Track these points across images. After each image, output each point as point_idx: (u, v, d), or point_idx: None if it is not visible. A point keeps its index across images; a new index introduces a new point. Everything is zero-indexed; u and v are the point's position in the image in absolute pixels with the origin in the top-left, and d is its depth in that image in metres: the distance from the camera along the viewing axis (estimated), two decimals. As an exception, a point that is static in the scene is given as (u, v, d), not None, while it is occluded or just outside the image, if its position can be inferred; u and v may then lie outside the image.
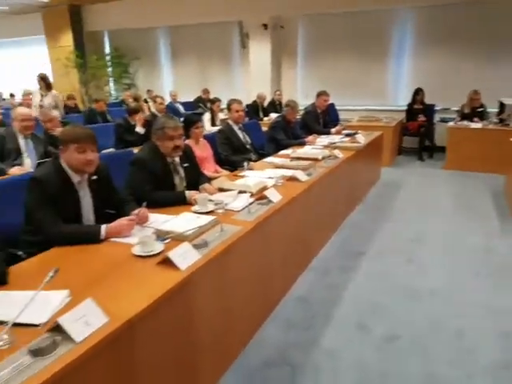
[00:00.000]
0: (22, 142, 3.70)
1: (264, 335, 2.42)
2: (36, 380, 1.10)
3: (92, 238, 1.99)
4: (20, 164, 3.60)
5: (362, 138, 4.66)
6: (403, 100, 7.62)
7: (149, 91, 9.23)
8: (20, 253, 2.03)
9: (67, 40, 10.53)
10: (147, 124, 4.85)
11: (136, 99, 7.19)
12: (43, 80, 6.52)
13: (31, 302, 1.30)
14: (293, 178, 3.04)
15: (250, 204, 2.37)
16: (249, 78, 9.00)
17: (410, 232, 3.93)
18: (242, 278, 2.19)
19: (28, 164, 3.66)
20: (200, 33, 9.54)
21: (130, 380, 1.46)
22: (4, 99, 9.60)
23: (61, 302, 1.44)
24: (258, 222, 2.24)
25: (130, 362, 1.45)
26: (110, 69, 10.71)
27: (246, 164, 2.68)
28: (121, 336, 1.35)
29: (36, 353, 1.18)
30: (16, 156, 3.64)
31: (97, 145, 2.15)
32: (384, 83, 8.08)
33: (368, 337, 2.41)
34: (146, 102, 8.25)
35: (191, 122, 3.31)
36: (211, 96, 7.98)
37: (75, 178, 2.12)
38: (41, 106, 6.09)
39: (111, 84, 11.09)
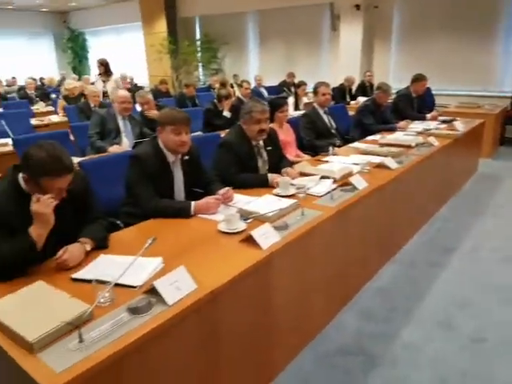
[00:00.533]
0: (120, 122, 4.01)
1: (341, 322, 2.40)
2: (133, 335, 1.23)
3: (183, 213, 2.13)
4: (118, 143, 3.91)
5: (460, 126, 4.29)
6: (509, 85, 6.83)
7: (235, 76, 9.44)
8: (119, 222, 2.25)
9: (161, 26, 11.15)
10: (233, 108, 4.98)
11: (223, 84, 7.39)
12: (103, 66, 6.12)
13: (130, 266, 1.44)
14: (381, 165, 2.91)
15: (333, 190, 2.34)
16: (337, 62, 8.76)
17: (509, 229, 3.58)
18: (321, 262, 2.19)
19: (126, 143, 3.96)
20: (288, 16, 9.47)
21: (212, 344, 1.57)
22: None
23: (155, 268, 1.59)
24: (340, 209, 2.20)
25: (213, 328, 1.55)
26: (199, 54, 11.13)
27: (330, 149, 2.63)
28: (207, 303, 1.45)
29: (134, 311, 1.32)
30: (115, 135, 3.96)
31: (190, 127, 2.28)
32: (487, 66, 7.31)
33: (452, 335, 2.28)
34: (231, 86, 8.46)
35: (277, 105, 3.33)
36: (296, 80, 7.92)
37: (170, 157, 2.28)
38: (104, 93, 5.92)
39: (200, 69, 11.53)
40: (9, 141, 4.00)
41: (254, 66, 10.69)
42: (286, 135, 3.45)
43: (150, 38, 11.44)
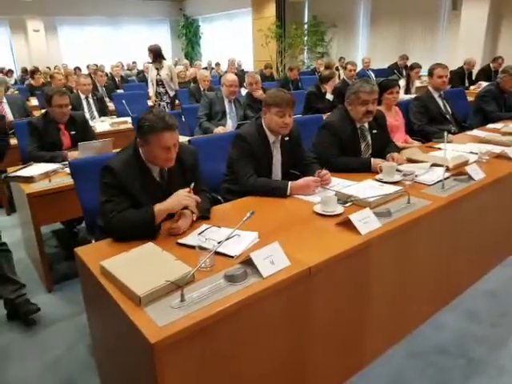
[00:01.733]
0: (227, 105, 4.20)
1: (441, 322, 2.23)
2: (228, 301, 1.28)
3: (280, 192, 2.15)
4: (224, 124, 4.09)
5: None
6: None
7: (341, 59, 9.15)
8: (219, 197, 2.36)
9: (270, 11, 11.25)
10: (337, 91, 4.85)
11: (328, 67, 7.22)
12: (152, 53, 5.43)
13: (230, 237, 1.51)
14: (502, 156, 2.59)
15: (445, 179, 2.14)
16: (455, 44, 7.97)
17: None
18: (424, 255, 2.04)
19: (230, 125, 4.14)
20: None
21: (303, 323, 1.57)
22: (213, 68, 10.98)
23: (251, 241, 1.64)
24: (452, 200, 2.01)
25: (304, 307, 1.55)
26: (306, 38, 11.01)
27: (445, 135, 2.40)
28: (300, 280, 1.46)
29: (231, 278, 1.37)
30: (221, 117, 4.17)
31: (294, 110, 2.27)
32: None
33: None
34: (337, 69, 8.22)
35: (386, 87, 3.13)
36: (409, 63, 7.39)
37: (271, 137, 2.32)
38: (158, 81, 5.41)
39: (305, 53, 11.42)
40: (128, 119, 4.45)
41: (363, 49, 10.26)
42: (395, 119, 3.24)
43: (258, 23, 11.65)
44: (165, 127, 1.72)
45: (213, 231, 1.73)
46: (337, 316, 1.70)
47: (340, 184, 2.25)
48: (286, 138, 2.37)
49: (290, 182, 2.17)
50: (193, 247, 1.56)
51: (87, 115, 4.78)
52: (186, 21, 15.58)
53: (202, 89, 5.50)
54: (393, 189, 2.06)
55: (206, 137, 3.32)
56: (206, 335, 1.26)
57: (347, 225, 1.72)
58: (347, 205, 1.96)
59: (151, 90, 5.52)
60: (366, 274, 1.76)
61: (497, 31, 7.73)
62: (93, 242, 1.95)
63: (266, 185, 2.20)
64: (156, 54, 5.39)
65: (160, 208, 1.70)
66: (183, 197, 1.73)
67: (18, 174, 2.68)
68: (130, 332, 1.24)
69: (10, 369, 2.05)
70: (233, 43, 14.05)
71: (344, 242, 1.63)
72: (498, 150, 2.67)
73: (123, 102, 5.01)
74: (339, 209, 1.89)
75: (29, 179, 2.61)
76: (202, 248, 1.48)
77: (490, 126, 3.59)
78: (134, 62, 12.17)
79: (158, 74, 5.40)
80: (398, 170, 2.29)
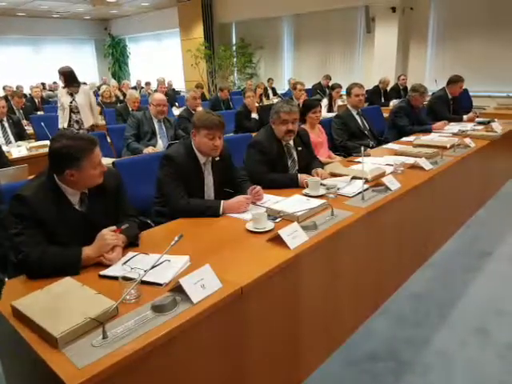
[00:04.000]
0: (156, 125, 4.12)
1: (372, 328, 2.32)
2: (156, 332, 1.22)
3: (212, 211, 2.13)
4: (153, 145, 4.00)
5: (498, 127, 4.07)
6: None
7: (270, 80, 9.45)
8: (149, 221, 2.28)
9: (198, 32, 11.38)
10: (260, 110, 5.04)
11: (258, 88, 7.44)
12: (64, 76, 4.74)
13: (157, 264, 1.46)
14: (415, 166, 2.81)
15: (365, 190, 2.27)
16: (371, 64, 8.63)
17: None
18: (351, 264, 2.13)
19: (160, 145, 4.05)
20: (323, 19, 9.45)
21: (238, 344, 1.54)
22: (142, 87, 10.79)
23: (182, 266, 1.58)
24: (371, 209, 2.13)
25: (238, 328, 1.53)
26: (235, 59, 11.26)
27: (362, 149, 2.56)
28: (232, 302, 1.44)
29: (158, 309, 1.31)
30: (150, 137, 4.07)
31: (224, 131, 2.28)
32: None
33: (488, 342, 2.17)
34: (265, 90, 8.47)
35: (310, 106, 3.30)
36: (331, 83, 7.84)
37: (202, 158, 2.30)
38: (73, 109, 4.66)
39: (235, 74, 11.66)
40: (48, 142, 4.17)
41: (288, 70, 10.70)
42: (318, 136, 3.40)
43: (186, 44, 11.71)
44: (92, 144, 1.68)
45: (140, 259, 1.65)
46: (271, 333, 1.70)
47: (271, 200, 2.29)
48: (217, 158, 2.36)
49: (222, 201, 2.16)
50: (116, 278, 1.46)
51: (2, 140, 4.43)
52: (112, 40, 15.21)
53: (130, 109, 5.36)
54: (318, 202, 2.14)
55: (132, 157, 3.21)
56: (134, 372, 1.18)
57: (277, 240, 1.75)
58: (277, 220, 1.99)
59: (62, 119, 4.72)
60: (297, 288, 1.79)
61: (406, 52, 8.49)
62: (5, 280, 1.77)
63: (198, 205, 2.17)
64: (68, 78, 4.72)
65: (89, 254, 1.59)
66: (110, 239, 1.64)
67: None
68: (47, 378, 1.13)
69: None
70: (162, 63, 13.95)
71: (275, 258, 1.65)
72: (411, 160, 2.89)
73: (42, 124, 4.71)
74: (270, 225, 1.92)
75: None
76: (126, 279, 1.39)
77: (404, 139, 3.89)
78: (54, 83, 11.56)
79: (72, 100, 4.69)
80: (322, 184, 2.39)
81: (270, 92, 8.59)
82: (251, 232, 1.89)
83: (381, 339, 2.23)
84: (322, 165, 2.82)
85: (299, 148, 2.75)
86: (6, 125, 4.61)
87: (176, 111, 6.27)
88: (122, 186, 1.94)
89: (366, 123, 3.87)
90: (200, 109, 4.95)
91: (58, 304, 1.32)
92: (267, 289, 1.61)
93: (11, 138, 4.60)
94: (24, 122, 5.34)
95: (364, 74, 8.90)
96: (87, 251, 1.60)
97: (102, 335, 1.18)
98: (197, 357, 1.37)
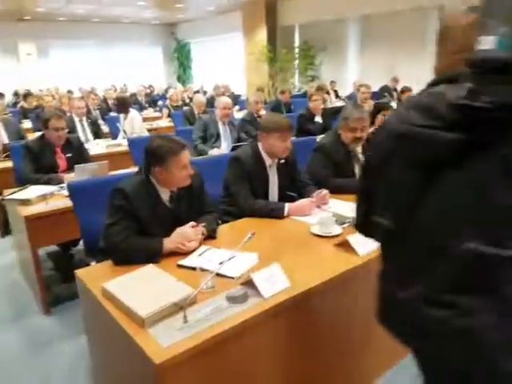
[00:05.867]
0: (221, 127, 4.28)
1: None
2: (231, 322, 1.30)
3: (277, 213, 2.19)
4: (218, 147, 4.17)
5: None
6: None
7: (332, 82, 9.38)
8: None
9: (261, 35, 11.55)
10: (323, 114, 5.02)
11: (321, 89, 7.40)
12: (119, 102, 5.22)
13: (230, 259, 1.54)
14: None
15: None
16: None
17: None
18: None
19: (224, 147, 4.20)
20: (392, 20, 9.16)
21: (304, 343, 1.59)
22: (205, 91, 11.14)
23: (250, 263, 1.66)
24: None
25: (305, 327, 1.57)
26: (296, 61, 11.29)
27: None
28: (300, 302, 1.48)
29: (232, 300, 1.40)
30: (215, 139, 4.24)
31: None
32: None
33: None
34: (327, 93, 8.42)
35: (380, 109, 3.26)
36: (398, 86, 7.61)
37: (268, 161, 2.38)
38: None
39: (296, 76, 11.70)
40: (124, 141, 4.49)
41: (352, 72, 10.51)
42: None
43: (249, 47, 11.93)
44: (181, 147, 1.81)
45: (212, 252, 1.75)
46: (337, 335, 1.72)
47: (337, 205, 2.30)
48: (282, 161, 2.43)
49: (287, 204, 2.21)
50: (192, 268, 1.59)
51: (82, 138, 4.83)
52: (177, 44, 15.89)
53: (196, 112, 5.60)
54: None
55: (201, 159, 3.37)
56: (210, 356, 1.27)
57: (345, 246, 1.76)
58: (345, 226, 1.99)
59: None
60: (364, 293, 1.79)
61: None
62: (92, 263, 1.96)
63: (263, 206, 2.24)
64: (123, 104, 5.20)
65: (169, 246, 1.74)
66: (190, 235, 1.78)
67: (15, 196, 2.69)
68: (132, 353, 1.25)
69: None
70: (225, 66, 14.33)
71: (342, 263, 1.66)
72: None
73: (117, 124, 5.06)
74: (337, 230, 1.93)
75: (26, 202, 2.61)
76: (203, 269, 1.50)
77: None
78: (124, 85, 12.32)
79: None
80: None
81: (332, 95, 8.52)
82: (317, 236, 1.92)
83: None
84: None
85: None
86: (85, 124, 5.03)
87: (237, 114, 6.43)
88: (203, 185, 2.08)
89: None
90: (263, 112, 5.08)
91: (143, 288, 1.45)
92: (334, 293, 1.63)
93: (89, 136, 5.01)
94: (100, 122, 5.75)
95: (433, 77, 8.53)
96: (168, 244, 1.74)
97: (182, 319, 1.28)
98: (264, 349, 1.44)
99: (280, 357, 1.51)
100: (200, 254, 1.73)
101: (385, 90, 8.03)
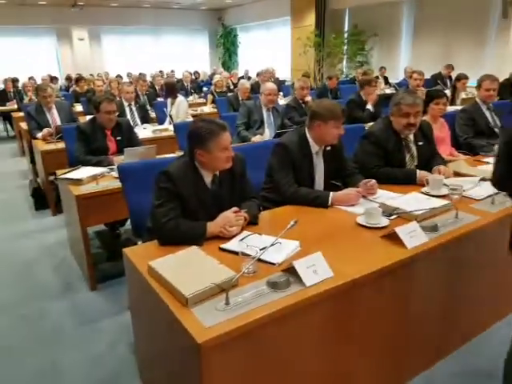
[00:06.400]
0: (265, 114, 4.24)
1: (492, 339, 2.14)
2: (272, 306, 1.29)
3: (321, 202, 2.14)
4: (261, 133, 4.12)
5: None
6: None
7: (382, 68, 9.02)
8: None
9: (310, 20, 11.27)
10: (378, 102, 4.80)
11: (365, 74, 7.14)
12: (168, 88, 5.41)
13: (271, 245, 1.53)
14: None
15: (496, 194, 2.06)
16: (504, 54, 7.67)
17: None
18: (473, 272, 1.97)
19: (267, 134, 4.16)
20: (449, 3, 8.62)
21: (345, 335, 1.55)
22: (250, 77, 11.07)
23: (292, 250, 1.64)
24: (503, 215, 1.93)
25: (347, 319, 1.53)
26: (345, 47, 10.94)
27: (495, 148, 2.31)
28: (343, 292, 1.45)
29: (274, 285, 1.38)
30: (259, 126, 4.20)
31: None
32: None
33: None
34: (377, 78, 8.10)
35: (434, 97, 3.06)
36: (453, 74, 7.17)
37: (314, 148, 2.32)
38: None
39: (344, 62, 11.36)
40: (170, 127, 4.57)
41: (405, 58, 10.04)
42: (440, 131, 3.14)
43: (297, 32, 11.68)
44: (221, 129, 1.80)
45: (254, 238, 1.74)
46: (378, 330, 1.67)
47: (384, 196, 2.21)
48: (328, 148, 2.36)
49: (331, 193, 2.16)
50: (234, 253, 1.60)
51: (130, 122, 4.96)
52: (224, 30, 15.88)
53: (240, 98, 5.58)
54: (440, 202, 2.01)
55: (244, 145, 3.36)
56: (250, 339, 1.27)
57: (392, 238, 1.69)
58: (392, 217, 1.92)
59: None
60: (410, 289, 1.73)
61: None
62: (139, 243, 2.02)
63: (306, 194, 2.19)
64: (172, 89, 5.42)
65: (212, 230, 1.75)
66: (234, 220, 1.78)
67: (68, 176, 2.81)
68: (175, 331, 1.28)
69: (57, 360, 2.14)
70: (270, 52, 14.18)
71: (389, 255, 1.60)
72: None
73: (164, 109, 5.15)
74: (384, 221, 1.86)
75: (77, 181, 2.72)
76: (245, 254, 1.50)
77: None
78: (172, 71, 12.51)
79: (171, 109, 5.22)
80: (445, 184, 2.23)
81: (381, 81, 8.18)
82: (362, 226, 1.86)
83: (493, 355, 2.03)
84: (445, 162, 2.62)
85: (420, 143, 2.58)
86: (134, 108, 5.14)
87: (281, 101, 6.35)
88: (246, 170, 2.07)
89: (496, 120, 3.48)
90: (308, 98, 4.96)
91: (187, 268, 1.47)
92: (378, 286, 1.58)
93: (137, 120, 5.12)
94: (147, 107, 5.87)
95: (496, 64, 7.95)
96: (211, 227, 1.75)
97: (224, 301, 1.29)
98: (304, 336, 1.42)
99: (319, 346, 1.49)
100: (242, 239, 1.72)
101: (438, 77, 7.61)
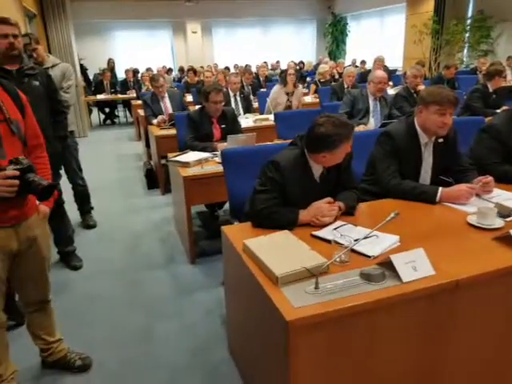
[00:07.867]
0: (371, 103, 4.05)
1: None
2: (364, 298, 1.26)
3: (428, 197, 1.99)
4: (365, 123, 3.95)
5: None
6: None
7: (509, 58, 7.98)
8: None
9: (428, 6, 10.41)
10: (504, 92, 4.28)
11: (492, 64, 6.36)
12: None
13: (367, 237, 1.49)
14: None
15: None
16: None
17: None
18: None
19: (372, 123, 3.98)
20: None
21: (442, 338, 1.45)
22: (357, 66, 10.63)
23: (390, 245, 1.56)
24: None
25: (445, 321, 1.42)
26: (467, 34, 9.89)
27: None
28: (445, 292, 1.35)
29: (367, 277, 1.34)
30: (363, 115, 4.04)
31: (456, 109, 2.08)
32: None
33: None
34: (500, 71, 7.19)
35: None
36: None
37: (424, 138, 2.15)
38: None
39: (465, 51, 10.28)
40: (270, 116, 4.64)
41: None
42: None
43: (412, 19, 10.89)
44: (351, 132, 1.79)
45: (348, 228, 1.70)
46: (481, 339, 1.51)
47: (501, 195, 1.99)
48: (441, 140, 2.17)
49: (440, 188, 1.99)
50: (326, 241, 1.59)
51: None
52: (333, 19, 15.51)
53: (345, 86, 5.44)
54: None
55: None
56: (338, 325, 1.26)
57: (506, 241, 1.52)
58: (508, 219, 1.72)
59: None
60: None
61: None
62: (235, 223, 2.11)
63: (411, 188, 2.05)
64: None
65: (304, 219, 1.76)
66: (324, 210, 1.77)
67: (177, 159, 3.06)
68: (265, 307, 1.32)
69: (154, 325, 2.36)
70: (380, 40, 13.48)
71: (500, 259, 1.45)
72: None
73: (267, 99, 5.25)
74: (499, 222, 1.68)
75: (185, 164, 2.95)
76: (337, 243, 1.49)
77: None
78: (277, 62, 12.63)
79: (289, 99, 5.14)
80: None
81: (508, 73, 7.23)
82: (473, 226, 1.69)
83: None
84: None
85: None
86: (238, 98, 5.34)
87: (390, 90, 6.00)
88: (351, 160, 2.01)
89: None
90: (422, 87, 4.60)
91: (279, 250, 1.50)
92: (487, 290, 1.43)
93: (241, 110, 5.32)
94: (251, 97, 6.04)
95: None
96: (303, 216, 1.76)
97: (314, 285, 1.29)
98: (394, 333, 1.36)
99: (409, 345, 1.40)
100: (335, 228, 1.69)
101: None
